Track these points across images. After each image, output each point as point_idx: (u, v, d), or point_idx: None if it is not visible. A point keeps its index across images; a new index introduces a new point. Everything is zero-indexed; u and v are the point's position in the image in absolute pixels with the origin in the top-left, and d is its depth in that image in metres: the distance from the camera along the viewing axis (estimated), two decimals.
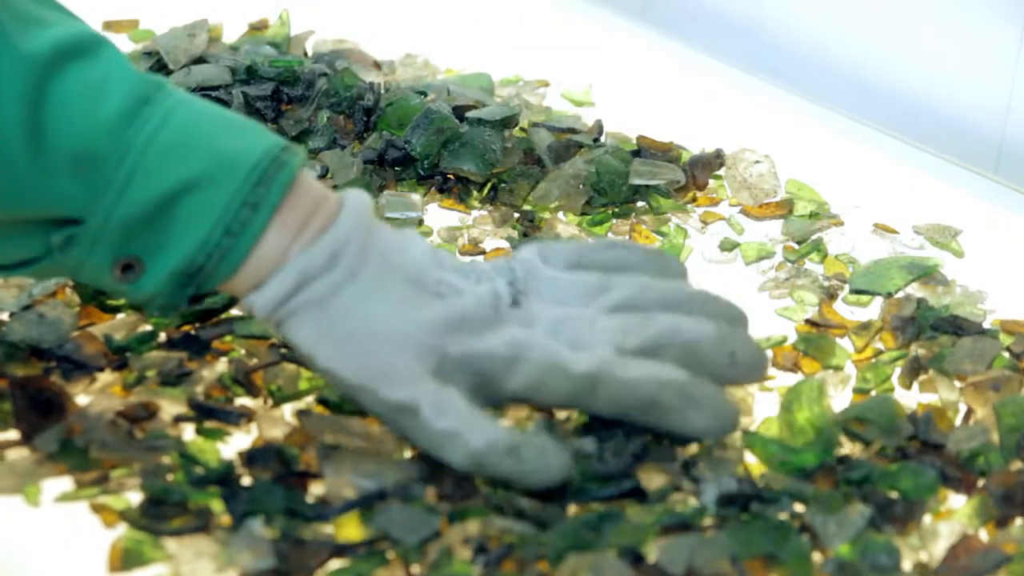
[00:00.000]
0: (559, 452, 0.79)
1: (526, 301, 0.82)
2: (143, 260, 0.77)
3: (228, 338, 0.88)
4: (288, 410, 0.84)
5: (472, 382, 0.80)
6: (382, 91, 1.09)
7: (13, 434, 0.81)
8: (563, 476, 0.79)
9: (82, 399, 0.84)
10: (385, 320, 0.79)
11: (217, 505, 0.77)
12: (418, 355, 0.79)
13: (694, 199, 1.05)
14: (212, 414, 0.83)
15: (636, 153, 1.07)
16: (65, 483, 0.79)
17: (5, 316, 0.88)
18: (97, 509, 0.77)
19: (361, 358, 0.79)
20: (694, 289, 0.85)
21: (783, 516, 0.78)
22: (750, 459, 0.82)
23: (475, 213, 1.02)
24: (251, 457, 0.80)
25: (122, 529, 0.76)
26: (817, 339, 0.91)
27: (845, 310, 0.95)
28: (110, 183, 0.76)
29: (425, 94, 1.09)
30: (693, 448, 0.82)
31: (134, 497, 0.78)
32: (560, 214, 1.02)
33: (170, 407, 0.83)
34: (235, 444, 0.82)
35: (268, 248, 0.78)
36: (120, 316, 0.89)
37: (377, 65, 1.16)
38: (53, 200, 0.76)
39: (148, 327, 0.89)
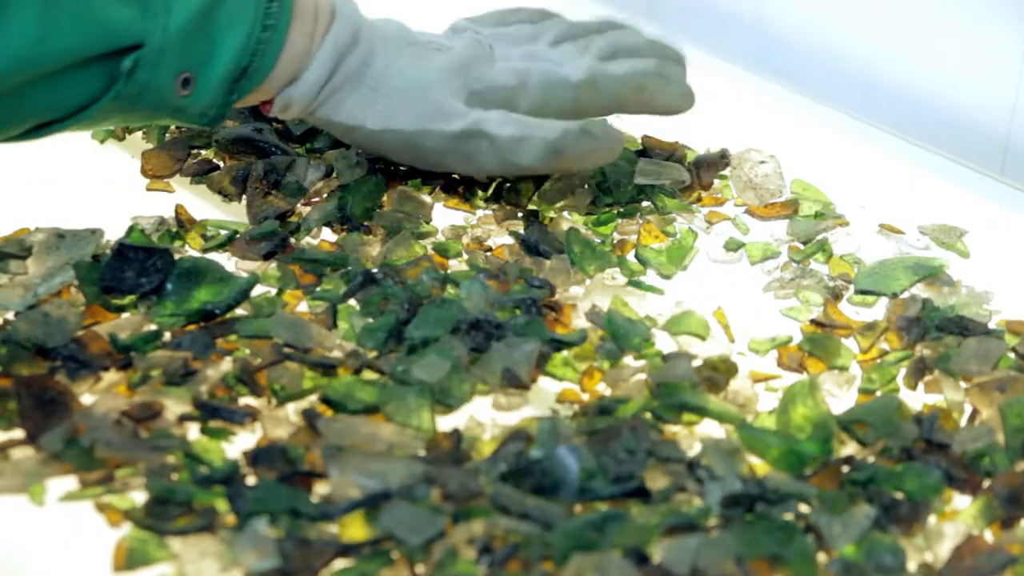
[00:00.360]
0: (617, 130, 1.00)
1: (494, 46, 0.98)
2: (197, 71, 0.89)
3: (232, 337, 0.88)
4: (292, 409, 0.84)
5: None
6: None
7: (18, 433, 0.81)
8: (620, 150, 1.00)
9: (87, 398, 0.84)
10: (415, 74, 0.95)
11: (222, 505, 0.77)
12: (454, 94, 0.95)
13: (699, 199, 1.05)
14: (216, 413, 0.83)
15: (641, 153, 1.07)
16: (70, 482, 0.79)
17: (10, 315, 0.88)
18: (102, 508, 0.77)
19: (411, 107, 0.95)
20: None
21: (788, 516, 0.78)
22: (755, 460, 0.82)
23: (480, 212, 1.02)
24: (256, 457, 0.80)
25: (127, 528, 0.76)
26: (822, 339, 0.91)
27: (850, 310, 0.95)
28: (156, 3, 0.87)
29: None
30: (697, 448, 0.82)
31: (139, 496, 0.78)
32: (565, 214, 1.02)
33: (175, 406, 0.83)
34: (240, 443, 0.82)
35: (296, 41, 0.93)
36: (125, 315, 0.89)
37: None
38: (118, 28, 0.86)
39: (153, 326, 0.89)
